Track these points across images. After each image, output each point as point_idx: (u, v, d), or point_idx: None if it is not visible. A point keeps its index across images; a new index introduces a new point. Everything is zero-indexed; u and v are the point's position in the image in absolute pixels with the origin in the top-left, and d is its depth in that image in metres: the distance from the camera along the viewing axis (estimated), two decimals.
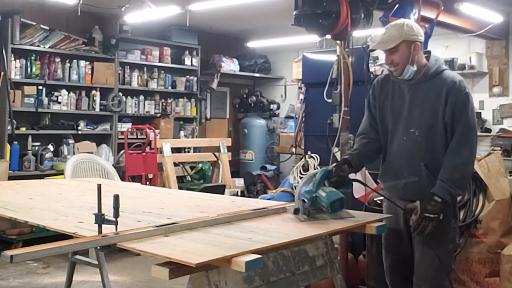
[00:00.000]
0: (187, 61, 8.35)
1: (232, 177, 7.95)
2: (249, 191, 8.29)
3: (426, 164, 2.97)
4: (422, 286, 3.03)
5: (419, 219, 2.86)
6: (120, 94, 7.45)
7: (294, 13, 4.21)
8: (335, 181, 2.95)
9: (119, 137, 7.39)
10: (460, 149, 2.89)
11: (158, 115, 7.99)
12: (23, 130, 6.57)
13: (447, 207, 2.90)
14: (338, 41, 4.31)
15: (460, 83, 2.96)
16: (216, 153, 7.82)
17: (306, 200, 2.85)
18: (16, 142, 6.46)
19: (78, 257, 4.14)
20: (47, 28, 6.78)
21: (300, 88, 7.71)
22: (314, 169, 5.33)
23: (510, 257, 3.91)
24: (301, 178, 5.57)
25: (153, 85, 7.98)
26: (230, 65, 8.96)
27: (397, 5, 4.56)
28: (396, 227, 3.10)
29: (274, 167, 8.94)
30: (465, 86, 2.97)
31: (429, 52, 3.11)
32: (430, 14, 5.13)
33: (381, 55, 8.40)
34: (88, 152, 6.68)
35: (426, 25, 4.86)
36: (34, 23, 6.67)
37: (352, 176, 3.20)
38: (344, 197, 2.87)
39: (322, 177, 2.91)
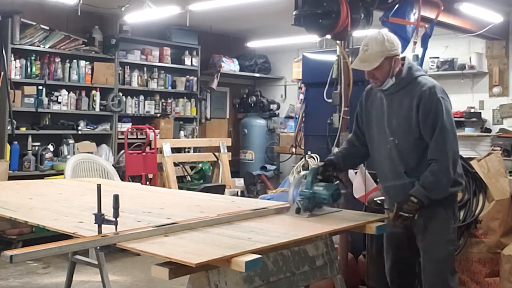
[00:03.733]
0: (187, 61, 8.35)
1: (232, 177, 7.95)
2: (249, 191, 8.29)
3: (406, 171, 3.04)
4: None
5: (394, 217, 2.93)
6: (120, 94, 7.45)
7: (294, 13, 4.21)
8: (321, 180, 3.07)
9: (119, 137, 7.39)
10: (438, 155, 2.92)
11: (158, 115, 7.99)
12: (23, 130, 6.56)
13: (425, 207, 2.94)
14: (338, 41, 4.31)
15: (431, 89, 2.96)
16: (216, 153, 7.82)
17: (302, 199, 2.96)
18: (16, 142, 6.47)
19: (78, 257, 4.14)
20: (47, 28, 6.78)
21: (300, 88, 7.71)
22: None
23: (510, 257, 3.90)
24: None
25: (153, 85, 7.98)
26: (230, 65, 8.96)
27: (397, 5, 4.56)
28: (395, 229, 3.11)
29: (274, 167, 8.95)
30: (437, 92, 2.96)
31: (404, 59, 3.12)
32: (430, 14, 5.13)
33: None
34: (88, 152, 6.68)
35: (426, 25, 4.86)
36: (34, 23, 6.67)
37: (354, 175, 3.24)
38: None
39: (313, 176, 3.03)
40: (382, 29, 3.19)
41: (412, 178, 3.01)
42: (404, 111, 3.01)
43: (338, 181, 3.19)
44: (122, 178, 6.53)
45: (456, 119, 7.59)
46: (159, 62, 8.06)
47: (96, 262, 4.00)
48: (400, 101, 3.04)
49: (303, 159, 5.67)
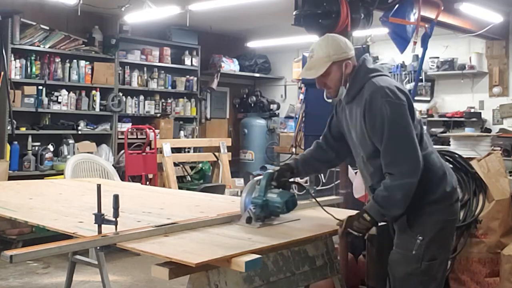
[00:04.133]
0: (187, 61, 8.35)
1: (232, 177, 7.94)
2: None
3: (371, 186, 2.71)
4: None
5: (342, 232, 2.63)
6: (120, 94, 7.46)
7: (294, 13, 4.21)
8: (276, 187, 2.80)
9: (119, 137, 7.39)
10: (389, 167, 2.54)
11: (158, 115, 7.99)
12: (23, 130, 6.57)
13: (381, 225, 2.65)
14: None
15: (373, 94, 2.55)
16: (216, 153, 7.81)
17: (255, 207, 2.68)
18: (16, 142, 6.47)
19: (78, 257, 4.13)
20: (47, 28, 6.78)
21: (300, 88, 7.71)
22: None
23: (510, 257, 3.90)
24: (301, 178, 5.58)
25: (153, 85, 7.98)
26: (230, 65, 8.96)
27: (397, 5, 4.56)
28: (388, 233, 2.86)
29: (274, 167, 8.93)
30: (380, 96, 2.54)
31: (363, 61, 2.74)
32: (430, 14, 5.12)
33: (381, 55, 8.45)
34: (88, 152, 6.68)
35: (426, 25, 4.85)
36: (34, 23, 6.67)
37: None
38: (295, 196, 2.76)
39: (267, 181, 2.77)
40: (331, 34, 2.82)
41: None
42: (357, 124, 2.66)
43: (298, 187, 2.97)
44: (122, 178, 6.53)
45: (456, 119, 7.61)
46: (159, 62, 8.07)
47: (96, 262, 3.99)
48: (354, 112, 2.68)
49: None
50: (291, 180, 2.94)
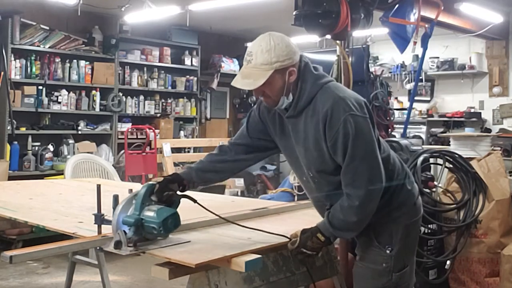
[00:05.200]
0: (187, 61, 8.35)
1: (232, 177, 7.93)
2: (249, 191, 8.29)
3: (328, 208, 2.39)
4: None
5: (295, 251, 2.37)
6: (120, 94, 7.45)
7: (294, 13, 4.20)
8: (158, 202, 2.29)
9: (119, 137, 7.39)
10: (348, 188, 2.27)
11: (158, 115, 7.99)
12: (23, 130, 6.56)
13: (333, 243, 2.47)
14: (338, 41, 4.31)
15: (333, 108, 2.23)
16: None
17: (128, 228, 2.19)
18: (16, 142, 6.47)
19: (78, 257, 4.13)
20: (47, 28, 6.78)
21: None
22: None
23: (510, 257, 3.90)
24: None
25: (153, 85, 7.98)
26: (230, 65, 8.95)
27: (397, 5, 4.56)
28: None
29: (274, 167, 8.94)
30: (341, 109, 2.23)
31: (305, 65, 2.39)
32: (430, 14, 5.13)
33: (381, 55, 8.45)
34: (88, 152, 6.68)
35: (426, 25, 4.86)
36: (34, 23, 6.67)
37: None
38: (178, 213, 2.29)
39: (145, 195, 2.25)
40: (274, 33, 2.47)
41: None
42: (311, 141, 2.31)
43: (179, 201, 2.41)
44: (122, 178, 6.53)
45: (456, 119, 7.61)
46: (159, 62, 8.06)
47: (96, 262, 3.99)
48: (304, 126, 2.33)
49: None
50: (181, 193, 2.45)
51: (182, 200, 2.44)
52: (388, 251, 2.40)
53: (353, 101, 2.26)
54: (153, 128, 7.37)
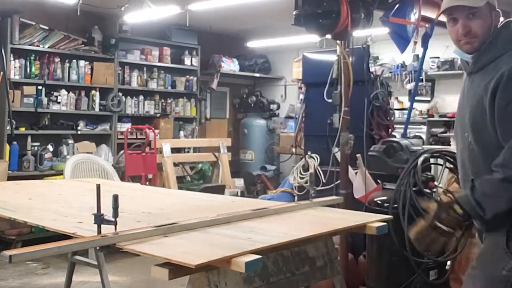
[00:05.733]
0: (187, 61, 8.34)
1: (232, 177, 7.93)
2: (249, 192, 8.28)
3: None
4: None
5: (425, 227, 2.10)
6: (120, 94, 7.45)
7: (294, 13, 4.20)
8: None
9: (119, 137, 7.38)
10: (507, 161, 2.01)
11: (158, 115, 7.98)
12: (22, 130, 6.56)
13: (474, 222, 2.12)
14: (338, 41, 4.31)
15: None
16: (216, 153, 7.80)
17: None
18: (15, 142, 6.46)
19: (77, 257, 4.13)
20: (47, 28, 6.77)
21: (300, 88, 7.71)
22: (314, 169, 5.31)
23: None
24: (301, 178, 5.58)
25: (152, 85, 7.97)
26: (230, 65, 8.95)
27: (397, 5, 4.55)
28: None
29: (274, 167, 8.94)
30: None
31: (509, 23, 2.22)
32: (430, 14, 5.11)
33: (382, 55, 8.43)
34: (87, 152, 6.67)
35: (427, 25, 4.85)
36: (33, 23, 6.66)
37: None
38: None
39: None
40: None
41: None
42: (476, 100, 2.12)
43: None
44: (122, 178, 6.52)
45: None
46: (159, 62, 8.06)
47: (95, 263, 3.99)
48: (477, 84, 2.15)
49: (303, 160, 5.67)
50: None
51: (182, 200, 2.42)
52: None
53: None
54: (153, 128, 7.36)
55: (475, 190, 2.04)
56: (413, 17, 4.69)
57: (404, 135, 5.29)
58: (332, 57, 4.69)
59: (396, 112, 6.73)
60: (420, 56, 5.15)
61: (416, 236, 2.14)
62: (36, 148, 6.66)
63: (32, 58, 6.66)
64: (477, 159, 2.16)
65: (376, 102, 4.99)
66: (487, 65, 2.12)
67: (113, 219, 2.26)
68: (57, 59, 6.88)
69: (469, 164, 2.20)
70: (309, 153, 5.58)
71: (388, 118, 5.18)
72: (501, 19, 2.22)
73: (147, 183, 6.84)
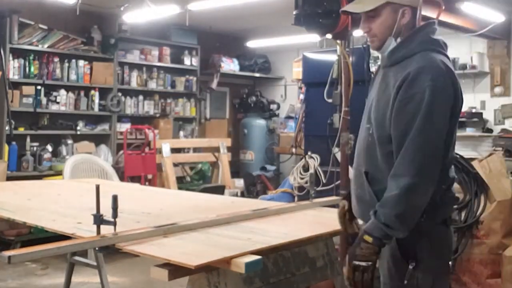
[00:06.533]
0: (187, 61, 8.33)
1: (232, 177, 7.93)
2: (249, 192, 8.27)
3: (366, 172, 2.17)
4: None
5: (349, 270, 2.03)
6: (119, 94, 7.43)
7: (294, 12, 4.19)
8: None
9: (118, 137, 7.36)
10: (400, 167, 2.02)
11: (157, 115, 7.96)
12: (21, 130, 6.54)
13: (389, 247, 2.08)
14: (338, 41, 4.29)
15: (424, 70, 2.04)
16: (216, 154, 7.79)
17: None
18: (14, 143, 6.44)
19: (76, 258, 4.12)
20: (46, 27, 6.75)
21: (300, 88, 7.69)
22: (314, 169, 5.30)
23: (511, 258, 3.88)
24: (301, 178, 5.56)
25: (152, 85, 7.96)
26: (230, 65, 8.94)
27: None
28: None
29: (274, 167, 8.92)
30: (433, 77, 2.02)
31: (431, 24, 2.24)
32: (431, 13, 5.09)
33: None
34: (87, 153, 6.66)
35: None
36: (32, 23, 6.64)
37: None
38: None
39: None
40: None
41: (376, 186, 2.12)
42: (384, 94, 2.13)
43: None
44: (121, 179, 6.51)
45: None
46: (159, 62, 8.04)
47: (95, 263, 3.97)
48: (390, 77, 2.14)
49: (303, 160, 5.66)
50: None
51: (181, 200, 2.41)
52: (409, 269, 2.07)
53: (446, 76, 2.04)
54: (152, 128, 7.35)
55: (378, 215, 2.00)
56: None
57: None
58: (332, 57, 4.67)
59: None
60: None
61: (349, 283, 2.06)
62: (35, 148, 6.64)
63: (31, 58, 6.64)
64: (372, 150, 2.15)
65: None
66: (400, 61, 2.13)
67: (113, 220, 2.25)
68: (56, 59, 6.86)
69: (365, 153, 2.20)
70: (309, 153, 5.57)
71: None
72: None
73: (147, 183, 6.83)
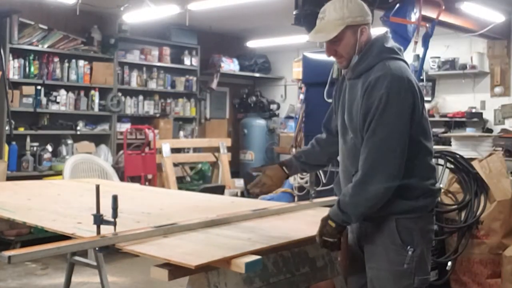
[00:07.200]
0: (187, 61, 8.33)
1: (231, 177, 7.93)
2: (249, 192, 8.26)
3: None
4: None
5: (320, 242, 2.37)
6: (119, 94, 7.43)
7: (294, 12, 4.20)
8: None
9: (118, 137, 7.36)
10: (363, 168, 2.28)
11: (157, 115, 7.96)
12: (21, 130, 6.54)
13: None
14: None
15: (381, 79, 2.26)
16: (216, 154, 7.79)
17: None
18: (14, 143, 6.44)
19: (76, 258, 4.12)
20: (46, 27, 6.75)
21: (300, 88, 7.68)
22: None
23: (511, 258, 3.88)
24: (301, 179, 5.56)
25: (152, 85, 7.96)
26: (230, 65, 8.94)
27: (398, 5, 4.54)
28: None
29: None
30: (388, 84, 2.24)
31: (382, 37, 2.44)
32: (431, 13, 5.10)
33: None
34: (87, 153, 6.66)
35: (427, 25, 4.84)
36: (32, 23, 6.64)
37: None
38: None
39: None
40: None
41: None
42: (354, 105, 2.35)
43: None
44: (121, 179, 6.51)
45: (458, 119, 7.58)
46: (159, 62, 8.04)
47: (95, 263, 3.97)
48: (357, 87, 2.35)
49: None
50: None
51: (181, 200, 2.42)
52: (406, 253, 2.30)
53: (401, 81, 2.24)
54: (152, 128, 7.35)
55: (338, 202, 2.31)
56: (414, 16, 4.68)
57: None
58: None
59: None
60: (421, 56, 5.13)
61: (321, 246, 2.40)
62: (35, 148, 6.64)
63: (31, 58, 6.64)
64: (355, 153, 2.35)
65: None
66: (364, 72, 2.33)
67: (113, 220, 2.24)
68: (56, 59, 6.86)
69: (351, 157, 2.41)
70: None
71: None
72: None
73: (147, 183, 6.83)
